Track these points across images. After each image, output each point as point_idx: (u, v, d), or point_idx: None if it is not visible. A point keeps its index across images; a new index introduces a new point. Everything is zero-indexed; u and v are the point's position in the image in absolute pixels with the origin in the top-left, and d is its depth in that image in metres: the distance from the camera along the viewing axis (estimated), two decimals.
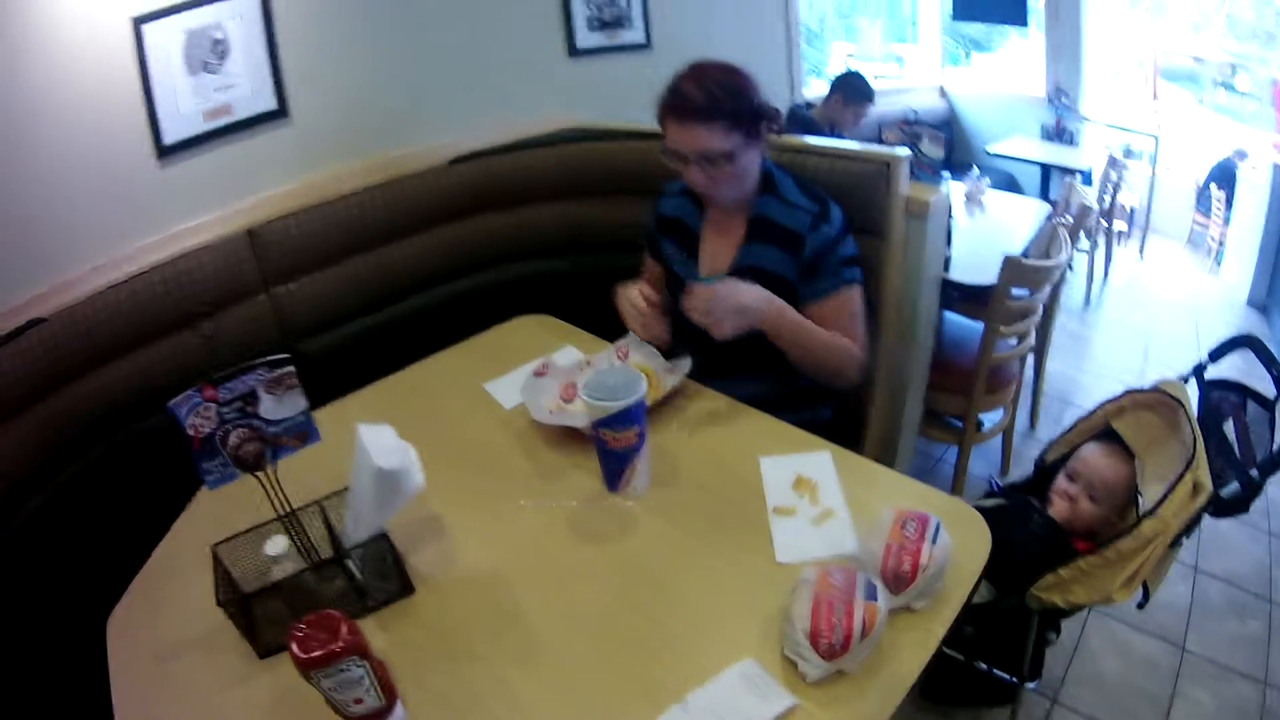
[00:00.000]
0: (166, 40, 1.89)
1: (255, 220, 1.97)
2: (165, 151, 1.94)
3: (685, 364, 1.59)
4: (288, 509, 1.17)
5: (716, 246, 1.74)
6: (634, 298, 1.63)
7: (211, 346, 1.41)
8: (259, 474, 1.12)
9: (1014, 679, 1.74)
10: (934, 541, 1.05)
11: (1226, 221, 5.42)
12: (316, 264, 2.07)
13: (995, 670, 1.75)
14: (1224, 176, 5.50)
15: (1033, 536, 1.66)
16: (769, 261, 1.65)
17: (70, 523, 1.67)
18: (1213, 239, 5.62)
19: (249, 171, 2.09)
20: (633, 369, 1.32)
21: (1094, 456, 1.69)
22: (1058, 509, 1.70)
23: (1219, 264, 5.50)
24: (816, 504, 1.29)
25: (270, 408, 1.13)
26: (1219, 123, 5.89)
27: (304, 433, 1.17)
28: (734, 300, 1.47)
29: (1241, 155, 5.38)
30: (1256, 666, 2.20)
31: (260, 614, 1.17)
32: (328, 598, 1.16)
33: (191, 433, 1.08)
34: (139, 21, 1.84)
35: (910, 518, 1.09)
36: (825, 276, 1.63)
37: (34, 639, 1.52)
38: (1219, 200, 5.49)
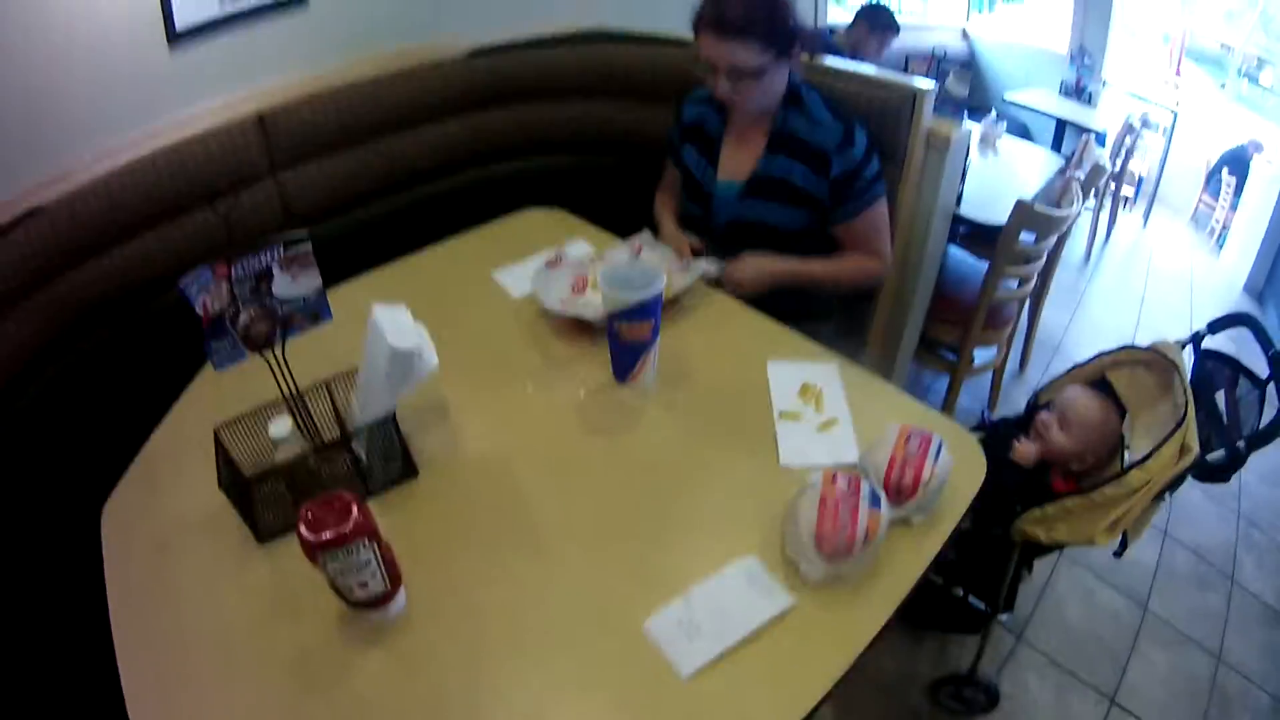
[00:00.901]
0: None
1: (266, 105, 1.92)
2: (176, 37, 1.86)
3: (699, 265, 1.60)
4: (294, 390, 1.15)
5: (737, 154, 1.76)
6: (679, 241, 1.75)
7: (229, 223, 1.38)
8: (266, 354, 1.11)
9: (988, 609, 1.77)
10: (936, 459, 1.07)
11: (1234, 207, 5.43)
12: (326, 149, 2.03)
13: (971, 598, 1.78)
14: (1236, 163, 5.49)
15: (1012, 465, 1.70)
16: (795, 176, 1.68)
17: (73, 410, 1.65)
18: (1217, 221, 5.62)
19: (262, 59, 2.02)
20: (652, 264, 1.31)
21: (1075, 391, 1.72)
22: (1032, 443, 1.73)
23: (1220, 246, 5.49)
24: (821, 411, 1.30)
25: (284, 286, 1.11)
26: (1237, 111, 5.84)
27: (316, 312, 1.16)
28: (762, 275, 1.67)
29: (1257, 147, 5.37)
30: (1212, 641, 2.25)
31: (261, 498, 1.16)
32: (331, 480, 1.16)
33: (201, 311, 1.05)
34: None
35: (914, 434, 1.10)
36: (854, 198, 1.68)
37: (34, 529, 1.51)
38: (1228, 185, 5.48)
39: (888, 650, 2.05)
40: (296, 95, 1.96)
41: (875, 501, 1.00)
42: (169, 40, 1.85)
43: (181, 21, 1.85)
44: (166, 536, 1.12)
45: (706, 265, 1.63)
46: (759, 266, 1.67)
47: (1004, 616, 1.80)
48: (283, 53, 2.06)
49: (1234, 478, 1.94)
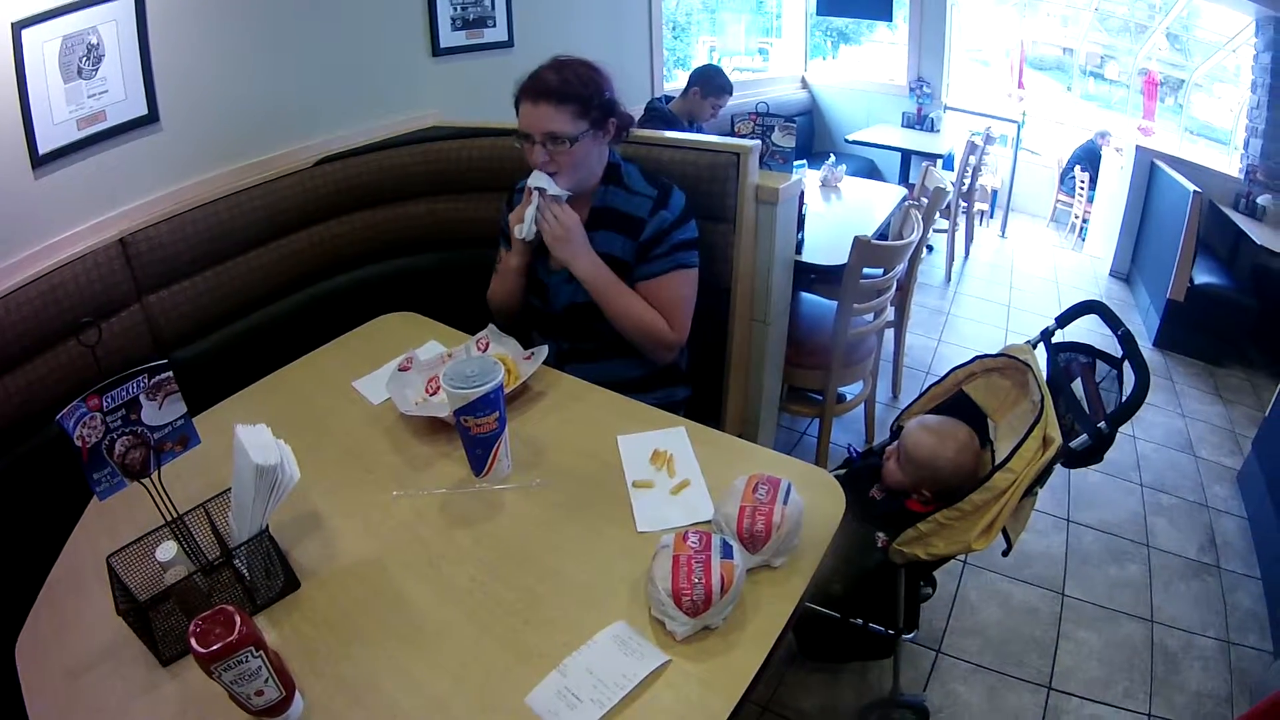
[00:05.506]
0: (43, 46, 1.81)
1: (127, 228, 1.93)
2: (40, 161, 1.86)
3: (542, 351, 1.67)
4: (175, 514, 1.19)
5: None
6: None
7: (95, 355, 1.39)
8: (145, 481, 1.14)
9: (890, 632, 1.82)
10: (785, 502, 1.15)
11: (1090, 200, 5.76)
12: (188, 271, 2.04)
13: (871, 625, 1.83)
14: (1088, 157, 5.85)
15: (870, 500, 1.78)
16: (615, 248, 1.75)
17: None
18: (1076, 216, 5.98)
19: (122, 179, 2.03)
20: (490, 358, 1.38)
21: (913, 427, 1.80)
22: (885, 469, 1.82)
23: (1083, 239, 5.83)
24: (673, 475, 1.37)
25: (152, 414, 1.16)
26: (1086, 109, 6.24)
27: (185, 436, 1.21)
28: (582, 241, 1.70)
29: (1104, 136, 5.75)
30: (1141, 606, 2.34)
31: (158, 621, 1.18)
32: (219, 598, 1.18)
33: (79, 444, 1.09)
34: (18, 27, 1.75)
35: (762, 481, 1.18)
36: (657, 259, 1.75)
37: None
38: (1082, 181, 5.83)
39: (807, 690, 2.09)
40: (155, 217, 1.98)
41: (727, 552, 1.07)
42: (33, 165, 1.85)
43: (44, 145, 1.85)
44: (77, 665, 1.13)
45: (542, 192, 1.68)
46: (582, 236, 1.70)
47: (909, 636, 1.86)
48: (141, 174, 2.07)
49: (1131, 452, 1.97)
